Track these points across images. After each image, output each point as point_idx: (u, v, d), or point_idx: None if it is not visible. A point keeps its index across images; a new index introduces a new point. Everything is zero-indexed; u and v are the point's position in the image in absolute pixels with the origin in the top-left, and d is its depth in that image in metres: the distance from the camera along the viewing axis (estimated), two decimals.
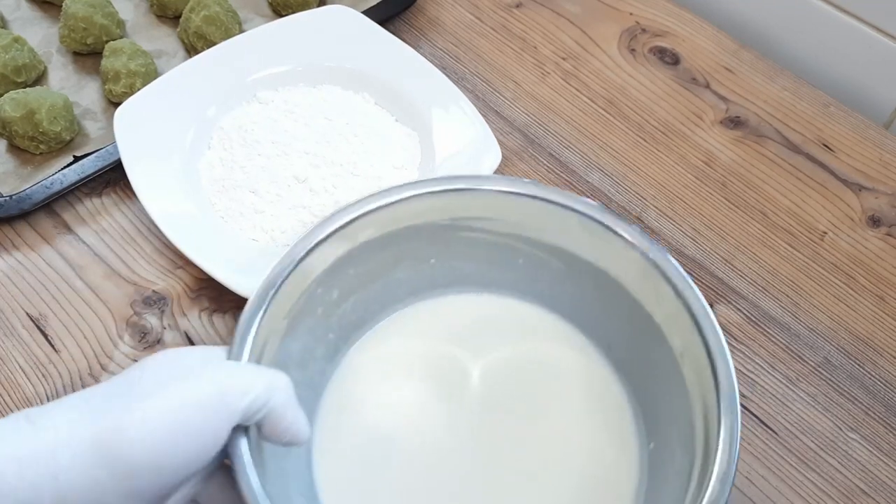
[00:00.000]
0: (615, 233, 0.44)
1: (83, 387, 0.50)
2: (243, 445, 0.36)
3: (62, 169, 0.57)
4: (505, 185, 0.45)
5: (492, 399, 0.47)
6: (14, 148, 0.58)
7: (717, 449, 0.38)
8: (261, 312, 0.40)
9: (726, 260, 0.56)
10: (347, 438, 0.45)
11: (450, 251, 0.48)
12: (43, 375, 0.50)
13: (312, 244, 0.42)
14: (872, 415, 0.50)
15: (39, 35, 0.65)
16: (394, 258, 0.46)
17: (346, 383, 0.47)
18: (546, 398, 0.47)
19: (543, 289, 0.49)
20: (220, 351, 0.38)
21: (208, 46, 0.61)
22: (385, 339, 0.48)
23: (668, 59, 0.67)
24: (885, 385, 0.51)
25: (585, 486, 0.44)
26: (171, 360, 0.35)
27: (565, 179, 0.60)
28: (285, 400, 0.36)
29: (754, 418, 0.50)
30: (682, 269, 0.43)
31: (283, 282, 0.41)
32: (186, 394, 0.33)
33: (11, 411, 0.49)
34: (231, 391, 0.34)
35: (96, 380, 0.50)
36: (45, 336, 0.52)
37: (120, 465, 0.32)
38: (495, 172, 0.56)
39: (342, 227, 0.43)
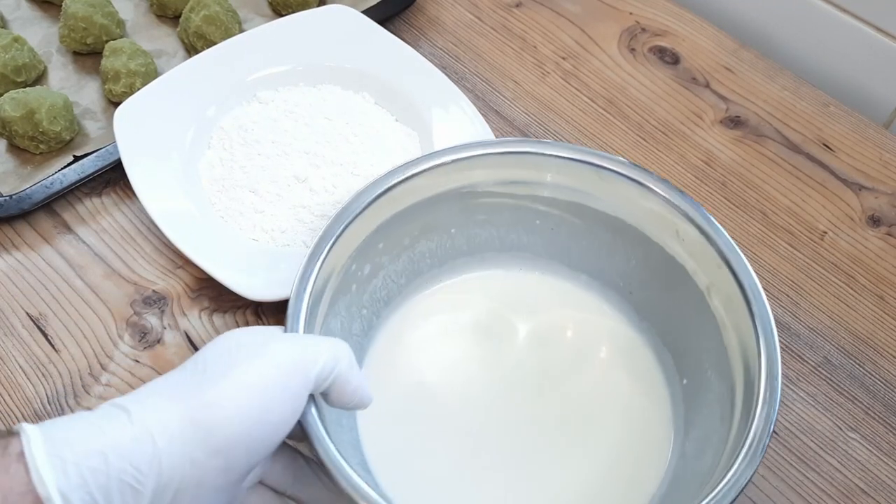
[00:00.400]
0: (633, 180, 0.45)
1: (83, 387, 0.50)
2: (315, 413, 0.37)
3: (62, 169, 0.57)
4: (521, 147, 0.47)
5: (523, 360, 0.48)
6: (14, 148, 0.58)
7: (760, 367, 0.39)
8: (309, 288, 0.41)
9: None
10: (389, 406, 0.46)
11: (469, 219, 0.49)
12: (43, 375, 0.50)
13: (344, 224, 0.43)
14: (872, 414, 0.50)
15: (39, 35, 0.65)
16: (418, 230, 0.48)
17: (383, 354, 0.48)
18: (576, 355, 0.49)
19: (562, 247, 0.50)
20: (275, 329, 0.39)
21: (208, 46, 0.61)
22: (414, 311, 0.50)
23: (668, 58, 0.67)
24: (885, 385, 0.51)
25: (623, 435, 0.46)
26: (237, 340, 0.36)
27: None
28: (349, 365, 0.37)
29: None
30: (702, 208, 0.44)
31: (325, 256, 0.42)
32: (265, 365, 0.34)
33: (11, 411, 0.49)
34: (304, 359, 0.35)
35: (96, 380, 0.50)
36: (45, 336, 0.52)
37: (214, 440, 0.32)
38: None
39: (371, 203, 0.44)
